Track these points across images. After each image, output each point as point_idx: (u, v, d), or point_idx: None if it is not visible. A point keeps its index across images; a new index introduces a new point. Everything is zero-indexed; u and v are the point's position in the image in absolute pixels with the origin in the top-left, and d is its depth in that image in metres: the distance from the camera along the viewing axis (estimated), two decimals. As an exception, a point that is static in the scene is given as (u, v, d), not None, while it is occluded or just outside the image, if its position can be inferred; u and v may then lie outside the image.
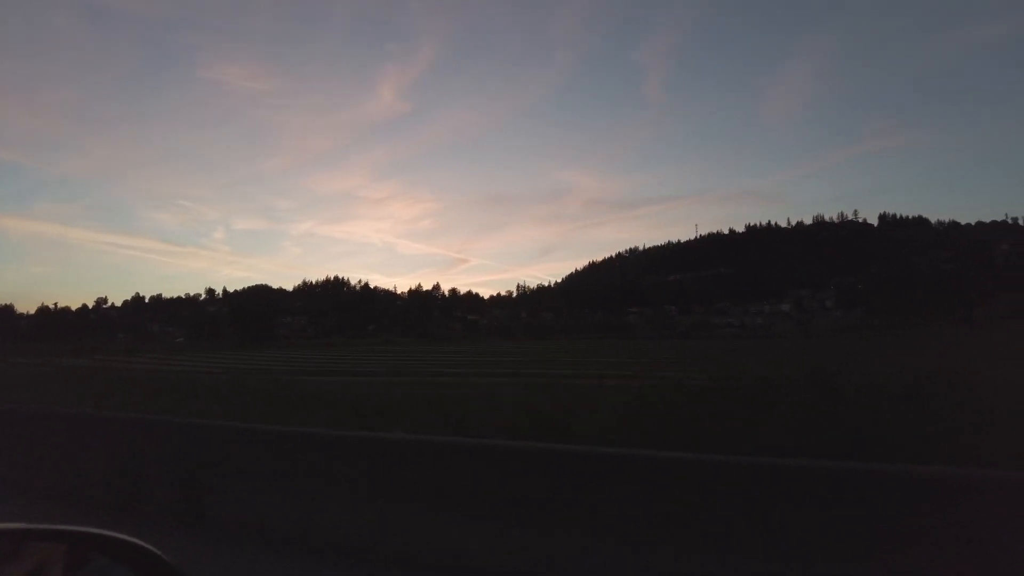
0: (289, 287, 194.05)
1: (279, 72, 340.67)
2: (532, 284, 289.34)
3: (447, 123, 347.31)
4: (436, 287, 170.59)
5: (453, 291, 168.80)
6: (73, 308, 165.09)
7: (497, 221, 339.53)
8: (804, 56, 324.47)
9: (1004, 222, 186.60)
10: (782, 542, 3.75)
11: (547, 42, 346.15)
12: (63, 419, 8.09)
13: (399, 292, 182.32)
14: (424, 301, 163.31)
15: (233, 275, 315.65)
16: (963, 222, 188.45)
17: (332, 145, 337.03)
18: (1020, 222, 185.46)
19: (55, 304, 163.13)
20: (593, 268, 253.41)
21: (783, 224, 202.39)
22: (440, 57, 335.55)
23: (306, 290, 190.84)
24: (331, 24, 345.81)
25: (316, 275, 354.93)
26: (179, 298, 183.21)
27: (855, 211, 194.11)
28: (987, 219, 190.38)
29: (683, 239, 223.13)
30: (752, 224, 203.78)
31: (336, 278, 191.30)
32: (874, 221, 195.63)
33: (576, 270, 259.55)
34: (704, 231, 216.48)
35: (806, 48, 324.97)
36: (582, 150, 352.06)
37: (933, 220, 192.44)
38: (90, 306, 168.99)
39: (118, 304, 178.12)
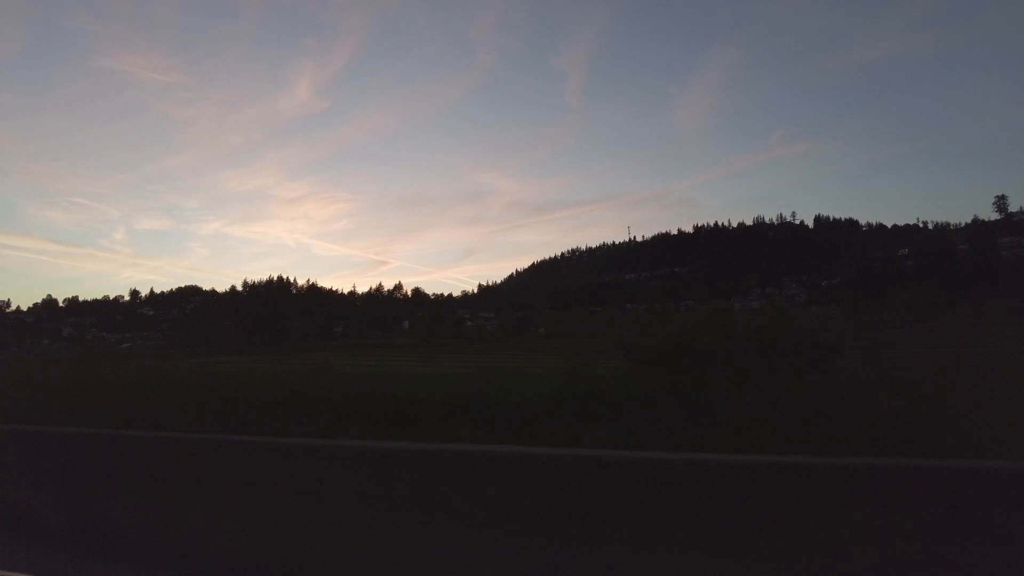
0: (202, 289, 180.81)
1: (187, 63, 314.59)
2: (458, 287, 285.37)
3: (365, 122, 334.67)
4: (398, 287, 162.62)
5: (416, 291, 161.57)
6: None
7: (417, 223, 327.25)
8: (711, 67, 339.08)
9: (916, 225, 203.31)
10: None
11: (468, 43, 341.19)
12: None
13: (355, 292, 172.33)
14: (387, 302, 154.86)
15: (135, 277, 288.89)
16: (887, 224, 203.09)
17: (243, 142, 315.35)
18: (929, 226, 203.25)
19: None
20: (538, 268, 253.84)
21: (726, 224, 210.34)
22: (359, 54, 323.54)
23: (246, 291, 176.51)
24: (244, 15, 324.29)
25: (225, 278, 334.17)
26: (97, 300, 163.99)
27: (793, 212, 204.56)
28: (901, 222, 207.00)
29: (617, 240, 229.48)
30: (700, 225, 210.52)
31: (280, 278, 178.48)
32: (809, 222, 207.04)
33: (517, 270, 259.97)
34: (633, 234, 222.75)
35: (713, 60, 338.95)
36: (503, 152, 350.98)
37: (862, 222, 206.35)
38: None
39: (24, 308, 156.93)
